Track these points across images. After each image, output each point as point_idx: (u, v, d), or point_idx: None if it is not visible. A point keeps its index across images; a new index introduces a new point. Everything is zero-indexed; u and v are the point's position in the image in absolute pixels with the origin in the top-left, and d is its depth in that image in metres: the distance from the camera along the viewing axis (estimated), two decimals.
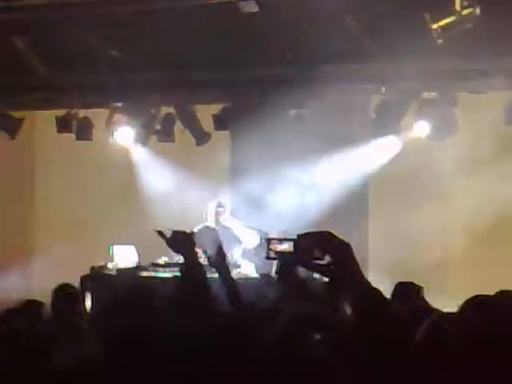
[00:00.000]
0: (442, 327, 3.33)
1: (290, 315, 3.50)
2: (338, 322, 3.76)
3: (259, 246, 10.61)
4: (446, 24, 9.73)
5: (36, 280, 11.13)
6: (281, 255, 2.70)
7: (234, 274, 10.36)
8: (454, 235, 11.52)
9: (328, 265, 2.58)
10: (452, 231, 11.55)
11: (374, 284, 2.60)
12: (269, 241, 2.74)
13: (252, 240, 10.76)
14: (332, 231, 2.66)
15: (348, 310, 2.59)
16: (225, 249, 10.46)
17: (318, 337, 3.64)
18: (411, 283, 6.88)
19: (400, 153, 12.02)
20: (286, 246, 2.65)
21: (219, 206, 10.98)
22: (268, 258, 2.73)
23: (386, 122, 11.56)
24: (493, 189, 11.26)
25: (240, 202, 11.64)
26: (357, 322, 2.55)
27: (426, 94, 11.59)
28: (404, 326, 2.60)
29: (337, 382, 2.64)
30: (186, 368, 3.24)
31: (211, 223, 11.02)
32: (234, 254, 10.76)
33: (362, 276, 2.59)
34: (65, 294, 7.02)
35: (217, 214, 10.97)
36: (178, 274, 10.06)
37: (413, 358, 2.61)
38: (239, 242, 10.84)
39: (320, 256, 2.58)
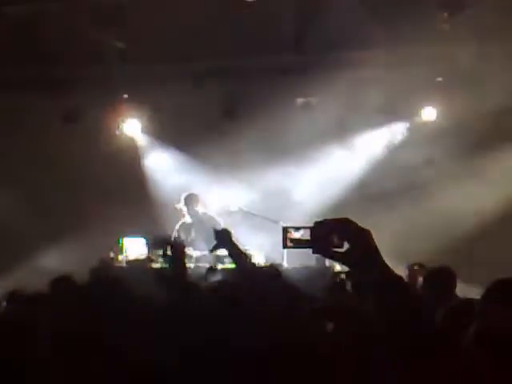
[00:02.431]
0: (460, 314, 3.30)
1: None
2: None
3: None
4: (453, 10, 9.75)
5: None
6: (298, 243, 2.62)
7: None
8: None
9: (347, 252, 2.52)
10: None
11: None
12: (285, 229, 2.63)
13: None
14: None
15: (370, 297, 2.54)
16: (209, 240, 10.69)
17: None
18: (447, 268, 6.54)
19: (409, 137, 12.01)
20: (303, 233, 2.55)
21: (185, 200, 11.14)
22: (285, 246, 2.60)
23: (394, 107, 11.56)
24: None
25: (247, 192, 11.67)
26: (379, 308, 2.49)
27: (433, 79, 11.57)
28: (427, 311, 2.56)
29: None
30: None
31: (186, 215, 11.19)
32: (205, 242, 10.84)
33: (384, 263, 2.49)
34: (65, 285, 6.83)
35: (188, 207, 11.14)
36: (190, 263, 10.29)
37: (434, 343, 2.58)
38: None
39: (338, 243, 2.48)
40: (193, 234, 11.07)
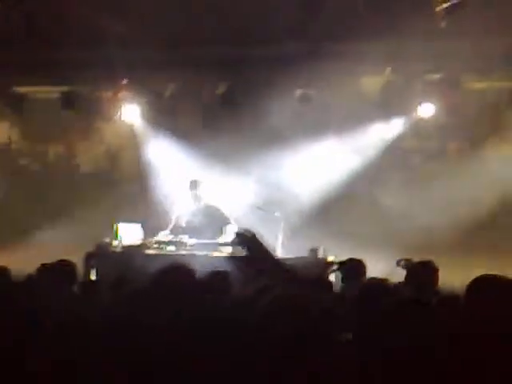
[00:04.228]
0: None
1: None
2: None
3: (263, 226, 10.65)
4: (449, 6, 9.80)
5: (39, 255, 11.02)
6: None
7: (238, 251, 10.46)
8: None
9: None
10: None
11: None
12: None
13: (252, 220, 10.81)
14: None
15: None
16: (215, 227, 10.70)
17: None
18: (428, 263, 6.56)
19: (404, 133, 12.08)
20: None
21: (191, 184, 11.03)
22: None
23: (391, 103, 11.60)
24: (493, 171, 11.40)
25: (244, 182, 11.73)
26: None
27: (430, 76, 11.62)
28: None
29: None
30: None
31: (190, 202, 11.11)
32: (217, 232, 10.83)
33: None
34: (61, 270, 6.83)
35: (193, 193, 11.04)
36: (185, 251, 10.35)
37: None
38: (224, 219, 10.90)
39: None
40: (194, 220, 11.00)
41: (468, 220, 11.49)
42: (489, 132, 11.64)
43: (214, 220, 10.86)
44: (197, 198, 11.02)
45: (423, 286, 5.88)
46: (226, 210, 10.93)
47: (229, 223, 10.76)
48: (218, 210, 10.97)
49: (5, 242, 11.95)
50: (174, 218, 11.04)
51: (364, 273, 7.27)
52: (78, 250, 10.35)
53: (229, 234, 10.57)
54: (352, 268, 7.29)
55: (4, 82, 12.43)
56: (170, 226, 10.95)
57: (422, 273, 6.21)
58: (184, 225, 10.91)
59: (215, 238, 10.65)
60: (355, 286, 6.83)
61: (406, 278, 6.18)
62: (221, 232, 10.74)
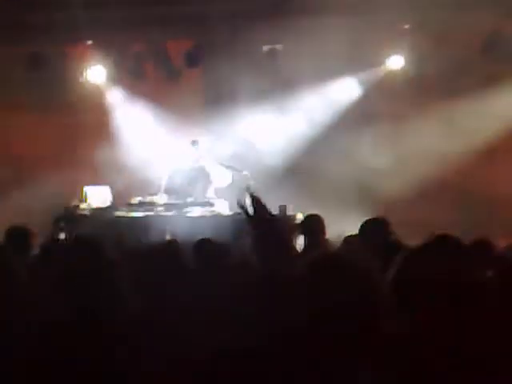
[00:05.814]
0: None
1: None
2: None
3: (232, 184, 10.52)
4: None
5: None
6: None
7: (208, 211, 10.36)
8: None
9: None
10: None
11: None
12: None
13: (223, 178, 10.63)
14: None
15: None
16: (198, 186, 10.54)
17: None
18: (378, 219, 6.54)
19: (375, 85, 11.98)
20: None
21: (193, 144, 10.79)
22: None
23: (360, 55, 11.51)
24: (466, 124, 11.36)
25: (215, 139, 11.58)
26: None
27: (400, 26, 11.52)
28: None
29: None
30: None
31: (186, 161, 10.87)
32: (206, 192, 10.67)
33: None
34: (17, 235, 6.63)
35: (191, 152, 10.78)
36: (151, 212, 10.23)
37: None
38: (211, 180, 10.70)
39: None
40: (188, 181, 10.69)
41: (442, 176, 11.48)
42: (462, 83, 11.51)
43: (208, 181, 10.67)
44: (195, 158, 10.79)
45: (374, 240, 5.78)
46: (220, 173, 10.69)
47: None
48: (210, 172, 10.70)
49: None
50: (165, 178, 10.72)
51: (322, 228, 7.20)
52: (46, 213, 10.30)
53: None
54: (310, 224, 7.24)
55: None
56: (163, 187, 10.64)
57: (371, 228, 6.12)
58: (178, 185, 10.63)
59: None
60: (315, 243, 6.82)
61: (358, 233, 6.10)
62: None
